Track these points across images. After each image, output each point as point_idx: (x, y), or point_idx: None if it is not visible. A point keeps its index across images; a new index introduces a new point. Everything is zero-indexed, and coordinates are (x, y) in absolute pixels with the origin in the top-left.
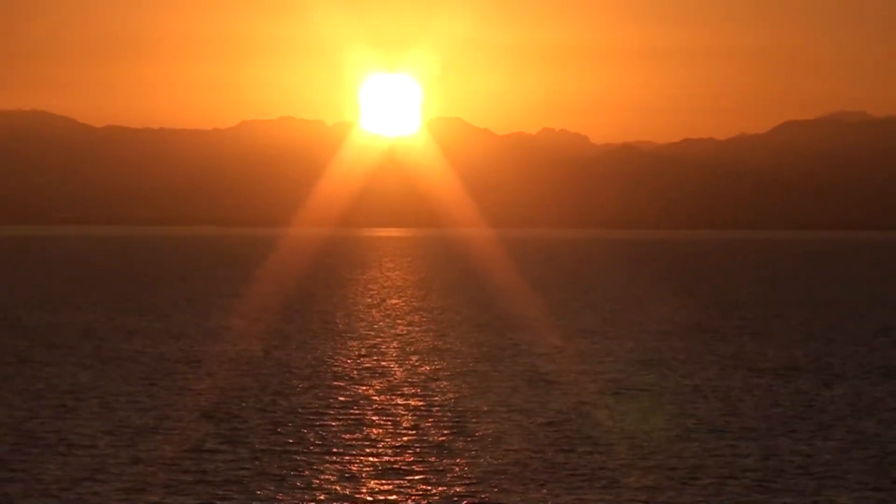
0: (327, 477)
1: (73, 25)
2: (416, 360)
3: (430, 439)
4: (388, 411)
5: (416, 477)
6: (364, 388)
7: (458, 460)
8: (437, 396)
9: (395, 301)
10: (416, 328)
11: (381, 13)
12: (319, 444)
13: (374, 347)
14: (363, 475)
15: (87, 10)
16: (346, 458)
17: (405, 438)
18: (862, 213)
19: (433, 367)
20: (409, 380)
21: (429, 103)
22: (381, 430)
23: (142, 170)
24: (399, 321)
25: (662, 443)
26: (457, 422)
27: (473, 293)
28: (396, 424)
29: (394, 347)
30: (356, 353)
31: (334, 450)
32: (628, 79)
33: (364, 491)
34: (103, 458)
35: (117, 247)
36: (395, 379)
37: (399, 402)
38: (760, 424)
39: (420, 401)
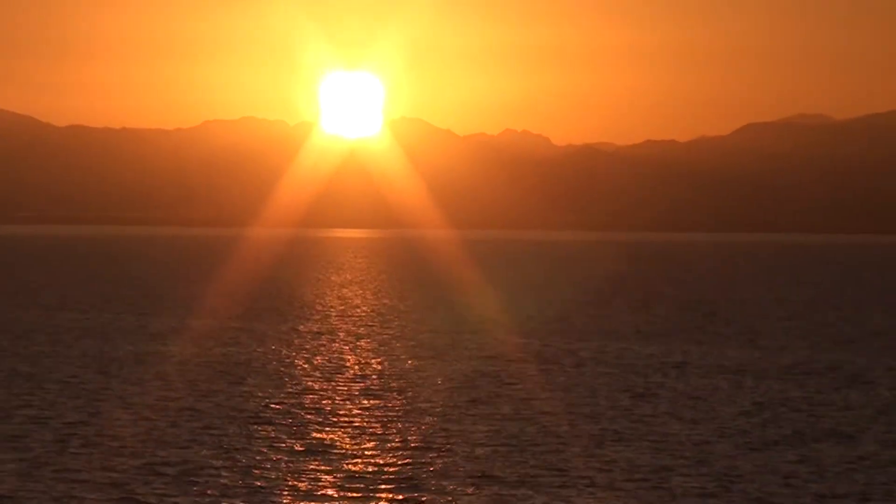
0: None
1: (34, 24)
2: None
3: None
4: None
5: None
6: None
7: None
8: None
9: (367, 301)
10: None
11: (343, 12)
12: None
13: (331, 346)
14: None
15: (48, 10)
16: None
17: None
18: (821, 217)
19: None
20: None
21: (390, 103)
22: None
23: (104, 169)
24: (363, 325)
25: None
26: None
27: (428, 293)
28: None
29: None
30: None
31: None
32: (590, 80)
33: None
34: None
35: (78, 246)
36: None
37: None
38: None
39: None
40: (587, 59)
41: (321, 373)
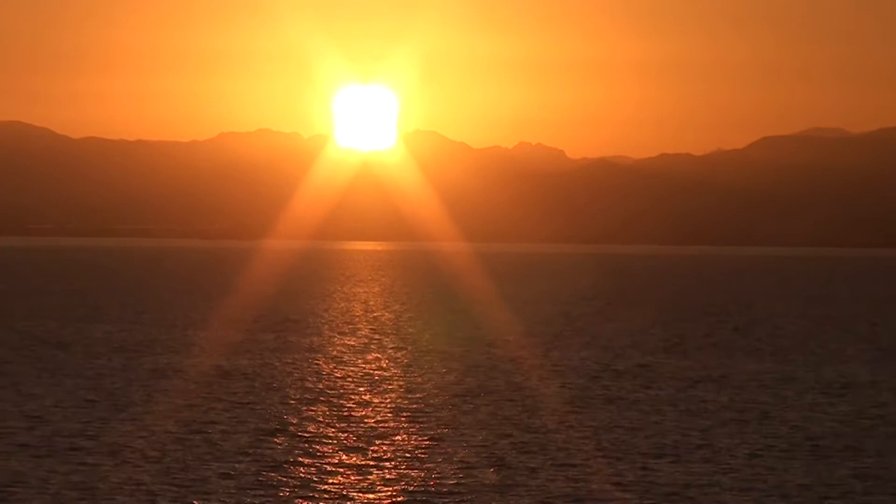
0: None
1: (50, 37)
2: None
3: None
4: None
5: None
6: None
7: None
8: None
9: (382, 314)
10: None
11: (358, 25)
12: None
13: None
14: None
15: (64, 22)
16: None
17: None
18: (838, 230)
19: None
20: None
21: (405, 116)
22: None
23: (119, 181)
24: (378, 334)
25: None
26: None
27: (444, 306)
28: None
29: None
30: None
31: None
32: (605, 93)
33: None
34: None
35: (93, 259)
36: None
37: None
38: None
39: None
40: (602, 72)
41: (351, 385)
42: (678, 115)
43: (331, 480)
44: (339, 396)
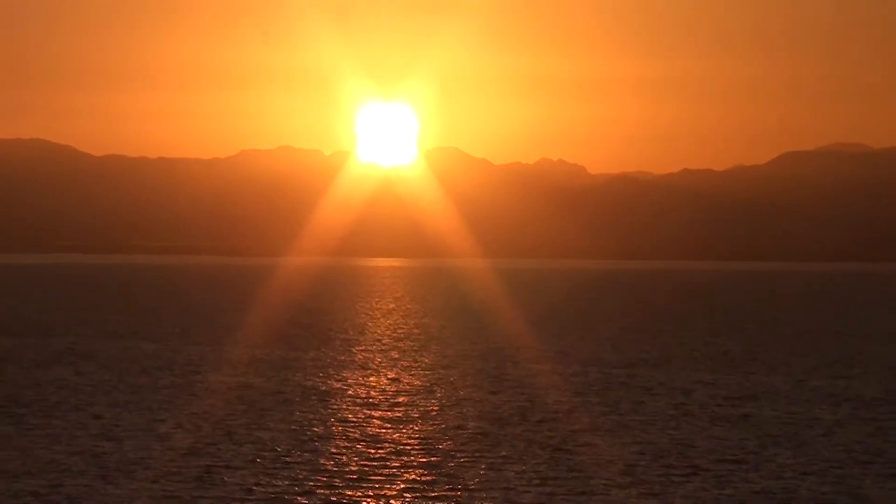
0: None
1: (73, 54)
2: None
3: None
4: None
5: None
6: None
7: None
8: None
9: (412, 329)
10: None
11: (379, 43)
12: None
13: (392, 378)
14: None
15: (86, 40)
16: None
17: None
18: (861, 245)
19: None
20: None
21: (426, 133)
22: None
23: (141, 199)
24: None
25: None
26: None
27: (468, 323)
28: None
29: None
30: (369, 383)
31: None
32: (626, 109)
33: None
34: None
35: (117, 275)
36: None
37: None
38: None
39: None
40: (623, 89)
41: (386, 401)
42: (699, 130)
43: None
44: (393, 406)
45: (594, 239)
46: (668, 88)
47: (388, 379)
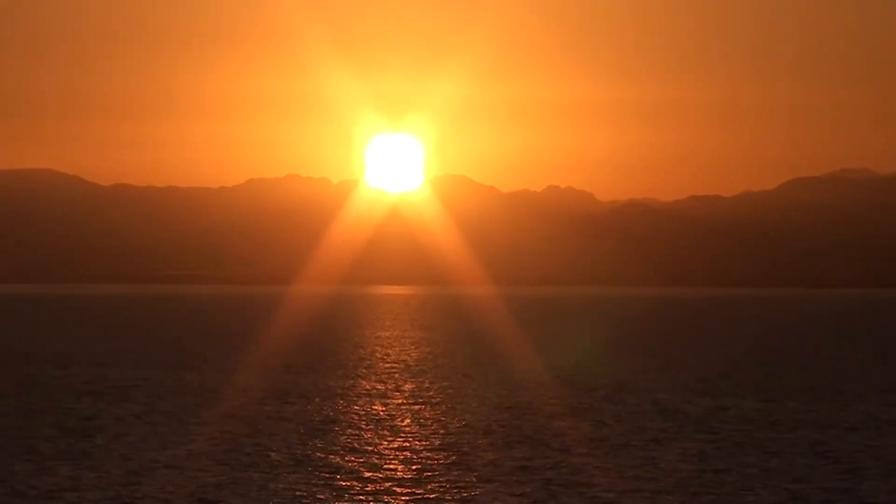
0: None
1: (80, 84)
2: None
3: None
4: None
5: None
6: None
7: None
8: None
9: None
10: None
11: (387, 71)
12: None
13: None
14: None
15: (94, 69)
16: None
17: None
18: (869, 271)
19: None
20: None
21: (434, 161)
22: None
23: (149, 228)
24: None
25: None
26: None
27: (475, 351)
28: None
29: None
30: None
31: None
32: (634, 136)
33: None
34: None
35: (124, 305)
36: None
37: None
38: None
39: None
40: (631, 116)
41: (401, 431)
42: (708, 157)
43: None
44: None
45: (603, 266)
46: (676, 115)
47: (404, 407)
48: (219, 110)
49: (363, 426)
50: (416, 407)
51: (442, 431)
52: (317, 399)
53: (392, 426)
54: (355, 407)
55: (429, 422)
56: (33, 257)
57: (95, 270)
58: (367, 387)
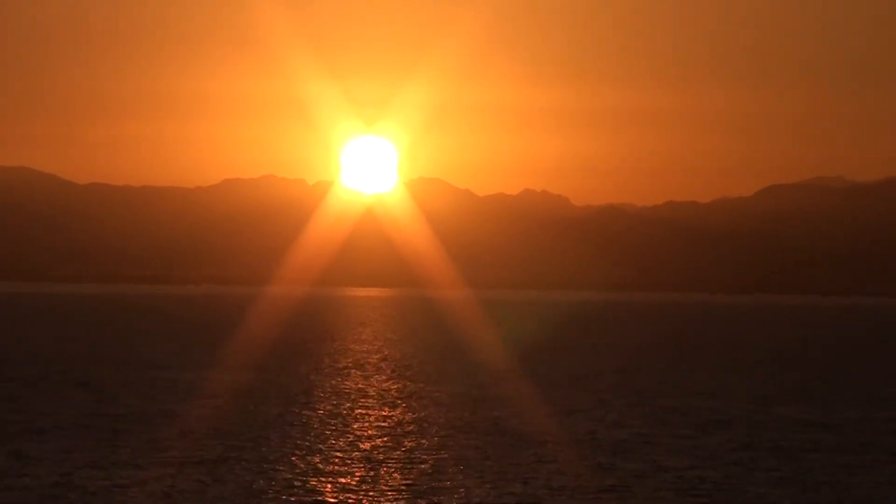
0: None
1: (56, 83)
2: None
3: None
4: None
5: None
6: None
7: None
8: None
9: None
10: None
11: (363, 73)
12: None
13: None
14: None
15: (70, 68)
16: None
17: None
18: (846, 278)
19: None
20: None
21: (409, 163)
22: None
23: (124, 227)
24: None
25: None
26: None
27: (439, 351)
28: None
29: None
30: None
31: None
32: (610, 141)
33: None
34: None
35: (101, 304)
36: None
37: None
38: None
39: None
40: (607, 120)
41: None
42: (684, 162)
43: None
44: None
45: (578, 270)
46: (652, 120)
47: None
48: (195, 110)
49: (322, 423)
50: (372, 404)
51: (399, 428)
52: (275, 398)
53: (346, 423)
54: (317, 406)
55: (384, 418)
56: (7, 256)
57: (70, 270)
58: (331, 386)
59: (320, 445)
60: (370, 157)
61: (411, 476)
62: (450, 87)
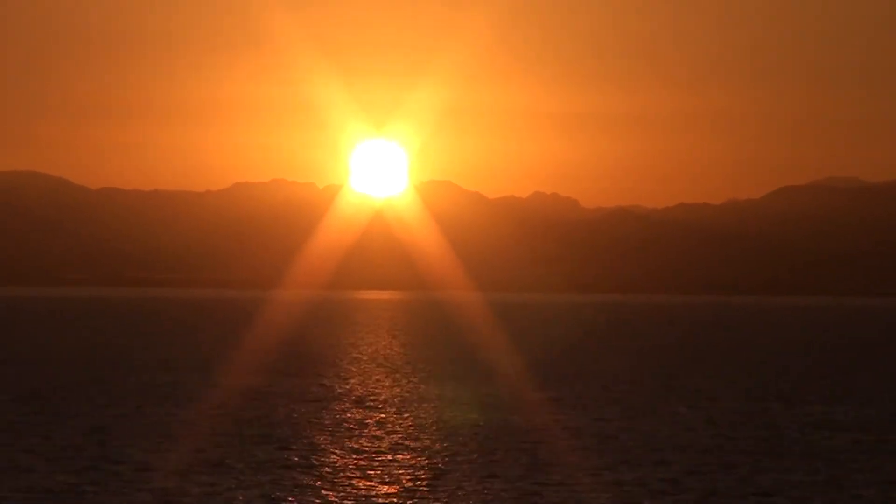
0: None
1: (67, 88)
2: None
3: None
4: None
5: None
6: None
7: None
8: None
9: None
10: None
11: (373, 76)
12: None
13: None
14: None
15: (81, 73)
16: None
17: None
18: (857, 279)
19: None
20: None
21: (419, 166)
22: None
23: (135, 231)
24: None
25: None
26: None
27: (448, 354)
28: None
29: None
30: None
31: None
32: (620, 143)
33: None
34: None
35: (111, 308)
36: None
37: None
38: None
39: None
40: (617, 123)
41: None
42: (695, 164)
43: None
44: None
45: (588, 273)
46: (663, 122)
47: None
48: (206, 114)
49: (336, 428)
50: (383, 406)
51: (414, 431)
52: (286, 401)
53: (359, 426)
54: (329, 409)
55: (395, 421)
56: (19, 260)
57: (82, 274)
58: (340, 389)
59: (332, 448)
60: (380, 160)
61: (427, 480)
62: (459, 89)
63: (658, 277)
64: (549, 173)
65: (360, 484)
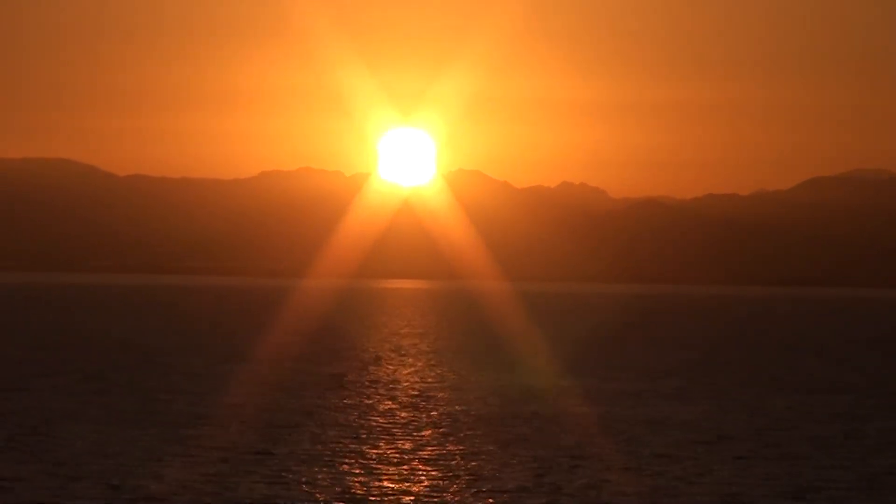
0: None
1: (97, 75)
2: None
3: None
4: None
5: None
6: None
7: None
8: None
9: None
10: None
11: (401, 65)
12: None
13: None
14: None
15: (111, 61)
16: None
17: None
18: (885, 271)
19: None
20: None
21: (447, 155)
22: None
23: (163, 219)
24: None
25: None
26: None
27: (476, 343)
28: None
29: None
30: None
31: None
32: (649, 133)
33: None
34: None
35: (138, 296)
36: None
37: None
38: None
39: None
40: (646, 112)
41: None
42: (723, 155)
43: None
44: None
45: (616, 263)
46: (692, 112)
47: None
48: (233, 103)
49: (360, 415)
50: (413, 394)
51: (444, 420)
52: (312, 389)
53: (388, 415)
54: (361, 397)
55: (425, 410)
56: (48, 246)
57: (110, 260)
58: (371, 377)
59: (367, 436)
60: (408, 148)
61: (453, 467)
62: (488, 77)
63: (685, 268)
64: (577, 163)
65: (398, 472)
